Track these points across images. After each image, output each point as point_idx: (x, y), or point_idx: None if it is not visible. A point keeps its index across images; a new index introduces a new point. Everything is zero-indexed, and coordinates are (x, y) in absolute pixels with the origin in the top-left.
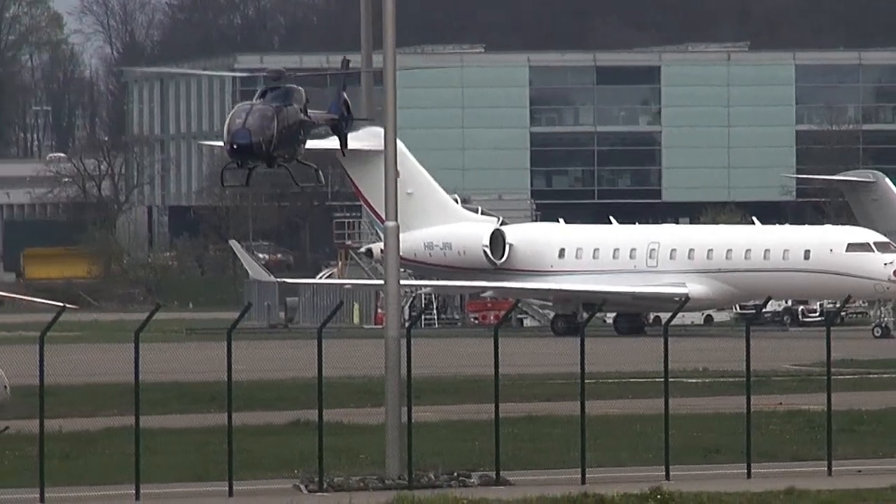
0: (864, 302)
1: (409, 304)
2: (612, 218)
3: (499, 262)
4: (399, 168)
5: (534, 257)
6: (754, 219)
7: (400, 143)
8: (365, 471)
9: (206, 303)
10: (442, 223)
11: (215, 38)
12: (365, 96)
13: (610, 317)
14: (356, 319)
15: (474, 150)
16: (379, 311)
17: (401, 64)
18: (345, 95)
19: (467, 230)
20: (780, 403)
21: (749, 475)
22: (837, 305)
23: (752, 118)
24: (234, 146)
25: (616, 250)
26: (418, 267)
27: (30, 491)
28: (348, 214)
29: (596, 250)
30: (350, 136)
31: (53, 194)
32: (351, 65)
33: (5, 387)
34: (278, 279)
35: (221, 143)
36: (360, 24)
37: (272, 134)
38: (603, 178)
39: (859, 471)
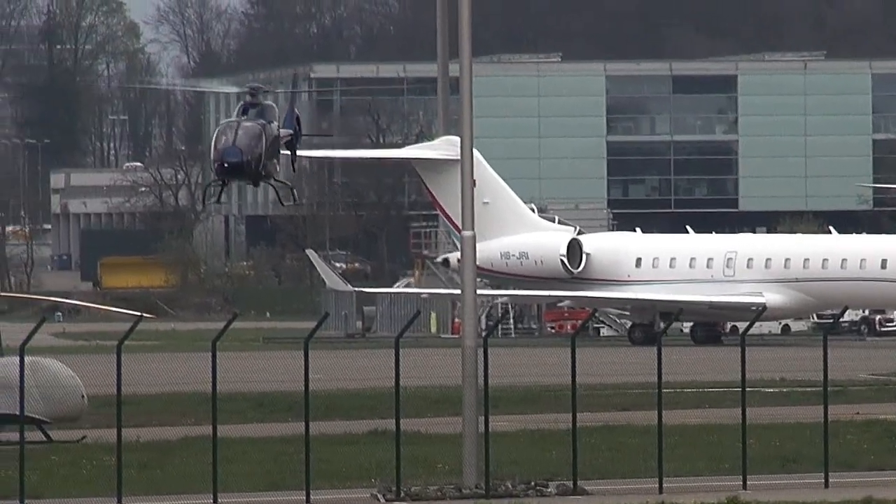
0: None
1: (485, 313)
2: (688, 227)
3: (576, 272)
4: (476, 177)
5: (611, 267)
6: (831, 228)
7: (476, 153)
8: (442, 480)
9: (283, 312)
10: (518, 232)
11: (291, 47)
12: (441, 106)
13: (687, 326)
14: (433, 329)
15: (551, 159)
16: (456, 320)
17: (477, 73)
18: (297, 111)
19: (544, 240)
20: (858, 413)
21: (826, 485)
22: None
23: (829, 127)
24: (225, 164)
25: (693, 260)
26: (495, 276)
27: (108, 500)
28: (425, 224)
29: (673, 260)
30: (426, 145)
31: (130, 204)
32: (427, 74)
33: (83, 396)
34: (355, 288)
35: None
36: (436, 33)
37: (260, 152)
38: (679, 188)
39: None
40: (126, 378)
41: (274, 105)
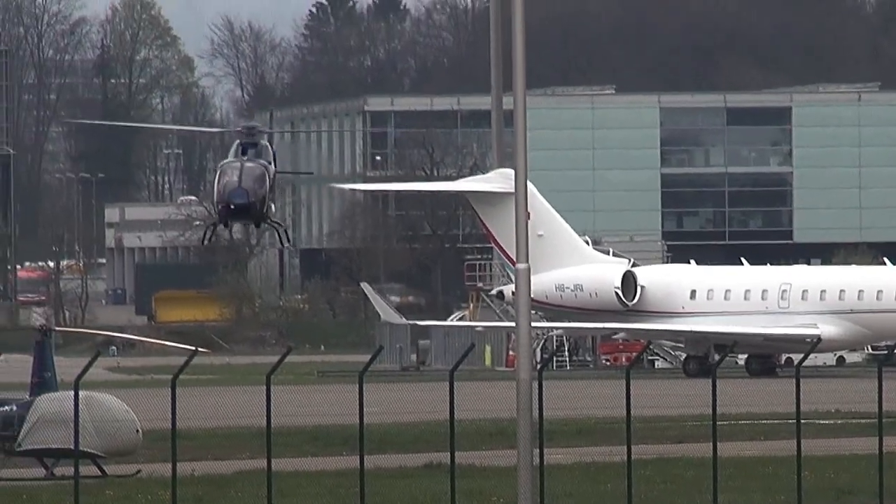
0: None
1: (540, 346)
2: (743, 259)
3: (630, 304)
4: (530, 210)
5: (665, 299)
6: (885, 259)
7: (531, 185)
8: None
9: (338, 345)
10: (573, 265)
11: (345, 80)
12: (495, 138)
13: (742, 358)
14: (488, 362)
15: (605, 191)
16: (510, 353)
17: (531, 105)
18: (273, 148)
19: (598, 272)
20: None
21: None
22: None
23: (884, 158)
24: (231, 206)
25: (747, 291)
26: (549, 309)
27: None
28: (480, 256)
29: (727, 291)
30: (481, 177)
31: (185, 237)
32: (481, 106)
33: (137, 430)
34: (410, 321)
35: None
36: (490, 65)
37: (264, 194)
38: (734, 220)
39: None
40: (181, 412)
41: (269, 145)
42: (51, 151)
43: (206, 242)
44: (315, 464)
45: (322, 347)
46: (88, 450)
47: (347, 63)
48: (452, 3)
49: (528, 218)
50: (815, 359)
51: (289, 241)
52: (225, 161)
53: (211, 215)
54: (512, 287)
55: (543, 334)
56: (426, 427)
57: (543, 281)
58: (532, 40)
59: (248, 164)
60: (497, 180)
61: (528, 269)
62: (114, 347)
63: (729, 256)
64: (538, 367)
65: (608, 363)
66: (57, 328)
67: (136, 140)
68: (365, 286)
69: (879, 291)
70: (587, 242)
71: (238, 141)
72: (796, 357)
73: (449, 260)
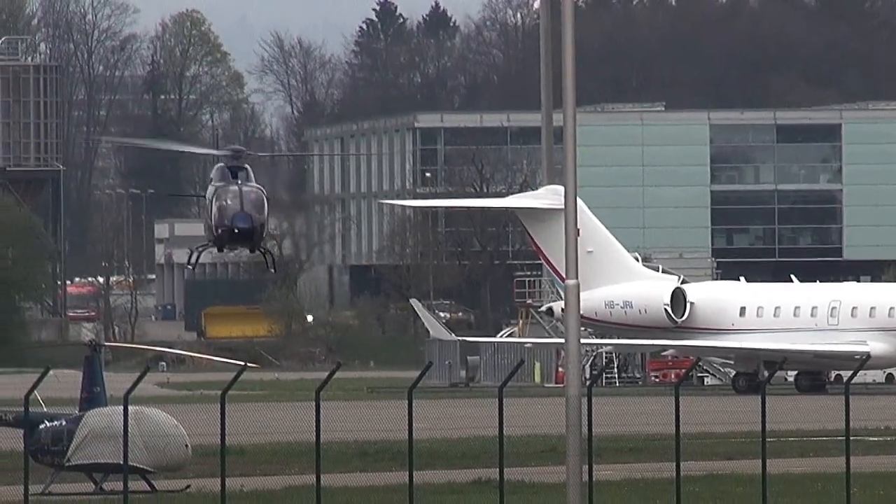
0: None
1: (589, 362)
2: (792, 276)
3: (679, 321)
4: (579, 226)
5: (715, 315)
6: None
7: (580, 202)
8: None
9: (387, 362)
10: (622, 281)
11: (395, 96)
12: (545, 155)
13: (791, 375)
14: (537, 378)
15: (655, 208)
16: (560, 369)
17: (581, 122)
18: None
19: (648, 289)
20: None
21: None
22: None
23: None
24: (235, 230)
25: (797, 308)
26: (599, 325)
27: None
28: (529, 273)
29: (777, 308)
30: (530, 194)
31: (234, 254)
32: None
33: (186, 445)
34: (459, 338)
35: (216, 226)
36: (540, 82)
37: (264, 219)
38: (784, 237)
39: None
40: (230, 428)
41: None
42: (100, 167)
43: (191, 265)
44: (364, 479)
45: (371, 363)
46: (137, 465)
47: (397, 79)
48: (502, 20)
49: (578, 234)
50: (865, 376)
51: (274, 269)
52: (220, 184)
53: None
54: (561, 303)
55: (593, 351)
56: (475, 443)
57: (593, 297)
58: (582, 57)
59: (247, 189)
60: (546, 197)
61: (578, 286)
62: (163, 363)
63: (778, 273)
64: (587, 383)
65: (657, 380)
66: (106, 343)
67: (184, 155)
68: (414, 302)
69: None
70: (637, 259)
71: (223, 164)
72: (845, 374)
73: (498, 276)
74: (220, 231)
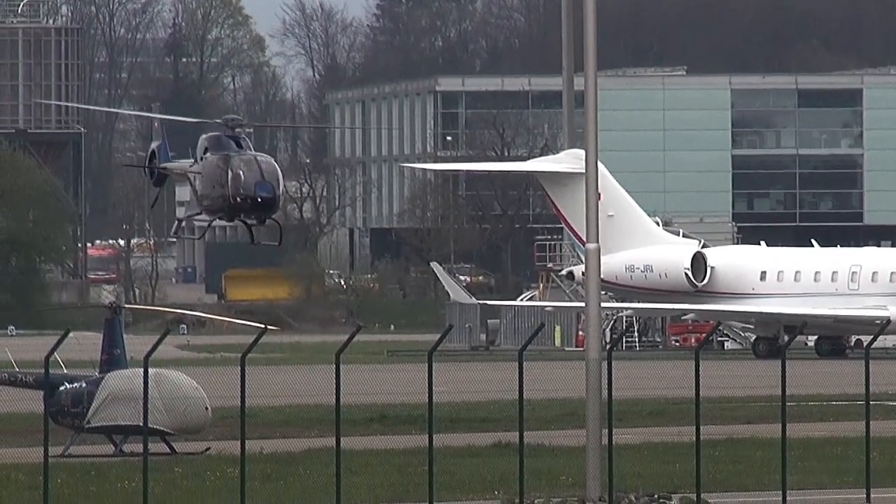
0: None
1: (609, 326)
2: (813, 241)
3: (700, 285)
4: (600, 190)
5: (735, 280)
6: None
7: (601, 166)
8: (565, 493)
9: (408, 325)
10: (643, 246)
11: (416, 60)
12: (566, 119)
13: (811, 339)
14: (557, 341)
15: (675, 172)
16: (580, 333)
17: (602, 87)
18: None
19: (668, 253)
20: None
21: None
22: None
23: None
24: (259, 199)
25: (817, 273)
26: (619, 289)
27: None
28: (550, 237)
29: (797, 273)
30: (551, 158)
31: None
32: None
33: (207, 408)
34: (479, 301)
35: (238, 192)
36: (561, 46)
37: (282, 187)
38: (804, 201)
39: None
40: (250, 390)
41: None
42: (121, 130)
43: (176, 236)
44: (384, 442)
45: (392, 327)
46: (157, 427)
47: (419, 43)
48: None
49: (599, 198)
50: (885, 340)
51: (280, 242)
52: (226, 153)
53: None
54: (582, 267)
55: (613, 315)
56: (495, 406)
57: (613, 261)
58: (603, 21)
59: (262, 158)
60: (567, 161)
61: (598, 250)
62: (183, 325)
63: (799, 238)
64: (607, 347)
65: (677, 344)
66: (127, 306)
67: (206, 119)
68: (435, 266)
69: None
70: (657, 223)
71: (219, 133)
72: (866, 338)
73: (519, 240)
74: (237, 200)
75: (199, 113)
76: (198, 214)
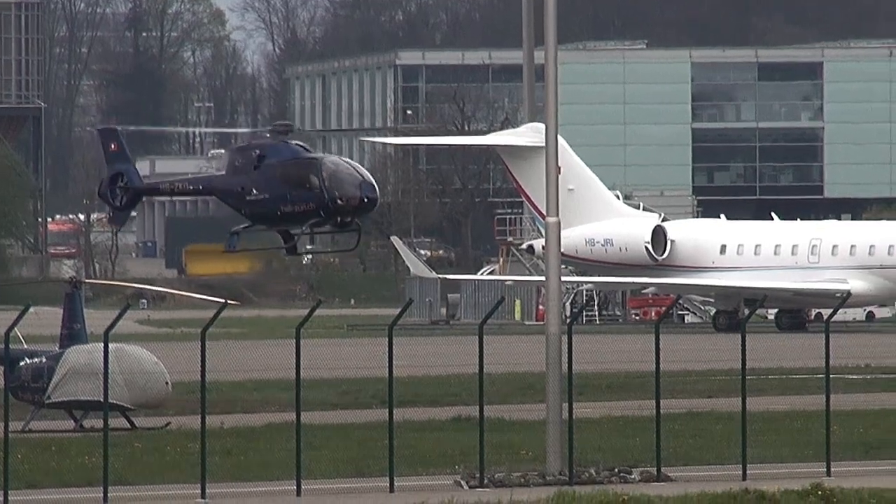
0: None
1: (570, 300)
2: (773, 214)
3: (660, 259)
4: (560, 164)
5: (695, 253)
6: None
7: (561, 140)
8: (526, 467)
9: (368, 299)
10: (603, 219)
11: (376, 34)
12: (526, 93)
13: (771, 313)
14: (517, 316)
15: (636, 146)
16: (540, 307)
17: (563, 60)
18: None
19: (629, 226)
20: None
21: None
22: None
23: None
24: (365, 199)
25: (778, 246)
26: (580, 263)
27: (192, 486)
28: (510, 211)
29: (757, 246)
30: (511, 132)
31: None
32: (512, 61)
33: (167, 383)
34: (440, 275)
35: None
36: (522, 20)
37: None
38: (764, 175)
39: None
40: (210, 365)
41: None
42: (82, 105)
43: (230, 250)
44: (344, 417)
45: (352, 301)
46: (118, 402)
47: (379, 17)
48: None
49: (559, 172)
50: (845, 314)
51: (355, 247)
52: (320, 156)
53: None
54: (542, 241)
55: (573, 288)
56: (455, 381)
57: (574, 235)
58: None
59: (348, 160)
60: (528, 135)
61: (559, 224)
62: (144, 300)
63: (759, 211)
64: (568, 321)
65: (638, 318)
66: (87, 280)
67: (167, 93)
68: (395, 240)
69: None
70: (617, 197)
71: (276, 140)
72: (826, 312)
73: (479, 214)
74: (342, 202)
75: (159, 87)
76: (251, 226)
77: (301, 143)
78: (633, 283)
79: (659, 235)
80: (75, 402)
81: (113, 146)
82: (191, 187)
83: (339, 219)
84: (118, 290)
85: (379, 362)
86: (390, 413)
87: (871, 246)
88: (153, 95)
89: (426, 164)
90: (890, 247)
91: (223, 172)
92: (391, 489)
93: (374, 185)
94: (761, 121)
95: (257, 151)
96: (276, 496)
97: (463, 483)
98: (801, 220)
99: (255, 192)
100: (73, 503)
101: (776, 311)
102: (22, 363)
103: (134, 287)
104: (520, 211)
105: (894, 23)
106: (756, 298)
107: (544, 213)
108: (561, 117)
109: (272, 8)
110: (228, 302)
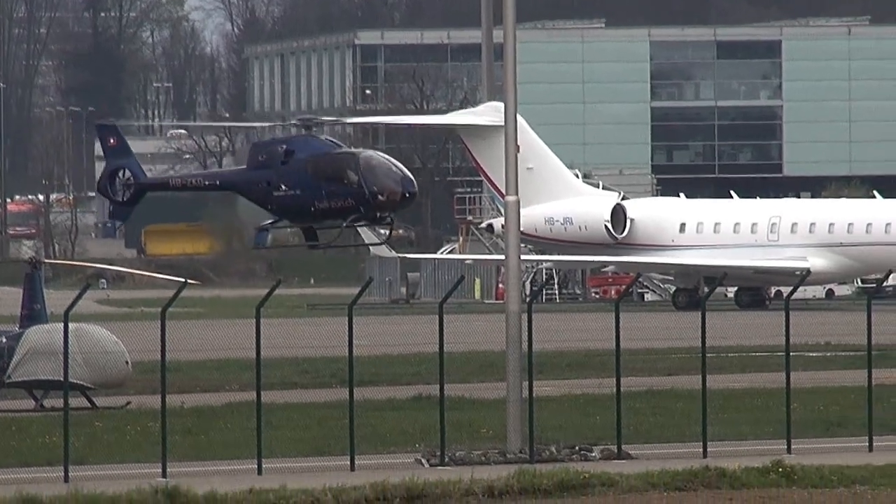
0: None
1: (529, 279)
2: (732, 192)
3: (620, 237)
4: (520, 143)
5: (655, 232)
6: (876, 192)
7: (520, 119)
8: (486, 445)
9: (328, 279)
10: (563, 198)
11: (335, 14)
12: (485, 72)
13: (731, 291)
14: (477, 294)
15: (595, 125)
16: (500, 286)
17: (521, 39)
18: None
19: (588, 205)
20: None
21: (871, 448)
22: None
23: (874, 92)
24: (407, 194)
25: (737, 224)
26: (539, 242)
27: (152, 466)
28: (469, 190)
29: (717, 225)
30: (470, 111)
31: (174, 171)
32: (471, 40)
33: (127, 362)
34: (399, 255)
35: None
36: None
37: None
38: (724, 153)
39: None
40: (170, 344)
41: None
42: (41, 85)
43: (258, 247)
44: (304, 396)
45: (312, 281)
46: (78, 381)
47: None
48: None
49: (518, 151)
50: (805, 292)
51: (386, 242)
52: (356, 150)
53: (201, 149)
54: (501, 220)
55: (533, 267)
56: (416, 359)
57: (533, 214)
58: None
59: (384, 154)
60: (487, 114)
61: (518, 202)
62: (103, 280)
63: (718, 190)
64: (527, 299)
65: (597, 296)
66: (46, 261)
67: (126, 74)
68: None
69: (869, 224)
70: (577, 176)
71: (302, 133)
72: (786, 290)
73: (439, 193)
74: (382, 197)
75: (118, 67)
76: (277, 221)
77: (331, 138)
78: (593, 261)
79: (618, 214)
80: (35, 381)
81: (112, 141)
82: (206, 182)
83: (377, 214)
84: (78, 270)
85: (339, 341)
86: (350, 392)
87: (831, 224)
88: (112, 76)
89: (386, 143)
90: (849, 225)
91: (243, 167)
92: (352, 468)
93: (412, 180)
94: (720, 99)
95: (284, 146)
96: (236, 475)
97: (424, 461)
98: (761, 198)
99: (283, 187)
100: (34, 482)
101: (736, 289)
102: None
103: (94, 267)
104: (479, 190)
105: (853, 2)
106: (715, 276)
107: (504, 192)
108: (520, 96)
109: None
110: (188, 281)
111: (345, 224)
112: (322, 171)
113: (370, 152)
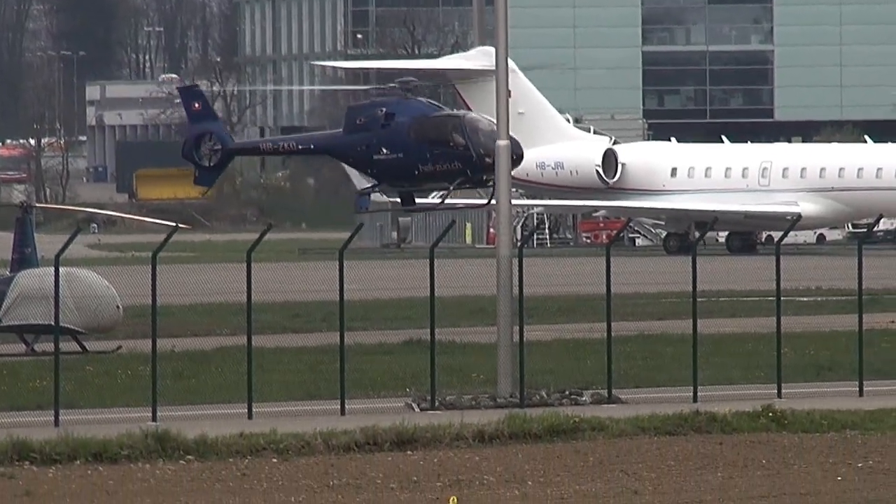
0: None
1: (520, 223)
2: (724, 137)
3: (611, 182)
4: (511, 88)
5: (646, 177)
6: (867, 137)
7: (512, 63)
8: (477, 389)
9: (319, 223)
10: (554, 143)
11: None
12: (476, 16)
13: (722, 235)
14: (468, 239)
15: (586, 69)
16: (491, 230)
17: None
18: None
19: (579, 150)
20: (893, 321)
21: (861, 393)
22: None
23: (865, 36)
24: (515, 156)
25: (728, 169)
26: (530, 187)
27: (143, 409)
28: None
29: (708, 169)
30: (462, 55)
31: (166, 115)
32: None
33: (118, 307)
34: (390, 199)
35: (471, 154)
36: None
37: None
38: (715, 98)
39: None
40: (161, 289)
41: None
42: (32, 29)
43: (361, 211)
44: (295, 340)
45: (303, 225)
46: (69, 326)
47: None
48: None
49: (509, 96)
50: (796, 236)
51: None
52: (462, 113)
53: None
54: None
55: (524, 212)
56: (406, 304)
57: (524, 159)
58: None
59: (486, 116)
60: (478, 58)
61: (509, 147)
62: (94, 224)
63: (710, 134)
64: (518, 244)
65: (589, 241)
66: (37, 205)
67: (117, 18)
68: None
69: (860, 169)
70: (568, 120)
71: (401, 97)
72: (776, 234)
73: None
74: (490, 159)
75: (109, 12)
76: (377, 185)
77: (431, 101)
78: (584, 206)
79: (610, 159)
80: (26, 325)
81: (196, 105)
82: (300, 147)
83: (484, 177)
84: (69, 215)
85: (330, 286)
86: (341, 336)
87: (822, 169)
88: (103, 20)
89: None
90: (840, 169)
91: (338, 130)
92: (342, 412)
93: (518, 141)
94: (711, 44)
95: (383, 109)
96: (227, 419)
97: (414, 406)
98: (752, 143)
99: (384, 150)
100: (25, 426)
101: (727, 233)
102: None
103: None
104: None
105: None
106: (706, 221)
107: None
108: (510, 41)
109: None
110: (179, 226)
111: (451, 187)
112: (426, 133)
113: (473, 114)
